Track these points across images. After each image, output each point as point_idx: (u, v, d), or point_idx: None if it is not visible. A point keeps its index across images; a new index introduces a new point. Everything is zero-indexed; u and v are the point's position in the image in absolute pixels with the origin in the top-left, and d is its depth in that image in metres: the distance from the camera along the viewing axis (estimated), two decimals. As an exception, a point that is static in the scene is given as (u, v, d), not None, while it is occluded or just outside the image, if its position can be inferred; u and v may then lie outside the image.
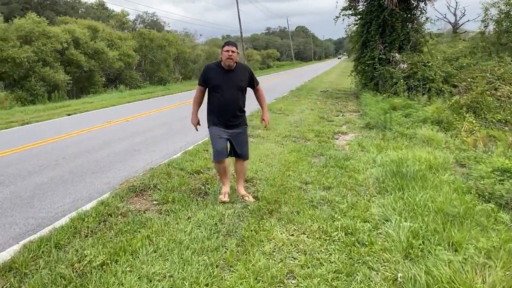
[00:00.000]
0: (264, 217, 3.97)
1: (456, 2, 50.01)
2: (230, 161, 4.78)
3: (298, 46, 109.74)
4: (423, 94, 12.93)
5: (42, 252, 3.25)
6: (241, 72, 4.41)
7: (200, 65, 50.62)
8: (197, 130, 4.76)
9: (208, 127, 4.52)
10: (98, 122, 11.57)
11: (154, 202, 4.45)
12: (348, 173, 5.52)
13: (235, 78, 4.33)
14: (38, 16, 25.61)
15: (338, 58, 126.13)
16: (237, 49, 4.29)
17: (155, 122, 11.02)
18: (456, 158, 6.36)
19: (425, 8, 15.39)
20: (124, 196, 4.57)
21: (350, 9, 16.56)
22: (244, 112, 4.58)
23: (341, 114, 11.54)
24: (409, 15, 15.13)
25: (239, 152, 4.52)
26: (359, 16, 16.48)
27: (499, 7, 16.50)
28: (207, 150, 6.74)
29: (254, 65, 64.03)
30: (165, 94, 23.45)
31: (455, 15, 43.91)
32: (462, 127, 8.89)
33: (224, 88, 4.29)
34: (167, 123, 10.71)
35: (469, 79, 12.28)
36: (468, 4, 56.88)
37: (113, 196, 4.53)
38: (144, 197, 4.62)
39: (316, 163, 6.12)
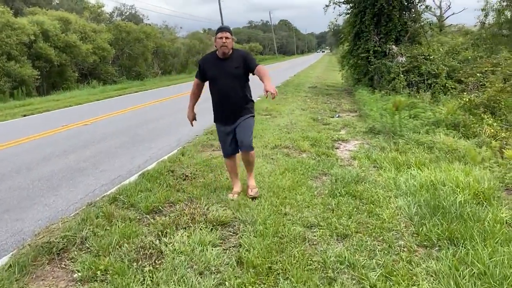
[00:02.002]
0: (252, 310, 2.37)
1: (442, -5, 48.80)
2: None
3: (280, 40, 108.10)
4: (425, 90, 11.47)
5: None
6: (236, 59, 4.05)
7: (181, 58, 48.72)
8: (192, 125, 4.51)
9: (214, 122, 4.37)
10: (53, 125, 9.80)
11: (75, 275, 2.79)
12: (366, 207, 3.96)
13: (229, 66, 4.02)
14: (3, 6, 23.45)
15: (322, 52, 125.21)
16: (231, 34, 4.02)
17: (117, 127, 9.27)
18: (498, 178, 4.86)
19: (424, -5, 13.91)
20: (30, 263, 2.90)
21: (341, -4, 14.98)
22: (248, 101, 4.21)
23: (337, 115, 9.99)
24: (406, 4, 13.63)
25: (240, 142, 4.17)
26: (351, 5, 14.89)
27: (501, -7, 15.12)
28: (172, 171, 5.08)
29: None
30: (139, 90, 21.62)
31: (440, 7, 42.91)
32: (483, 132, 7.45)
33: (220, 78, 4.04)
34: (130, 128, 8.99)
35: (478, 74, 10.87)
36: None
37: (10, 265, 2.84)
38: (63, 264, 2.95)
39: (319, 188, 4.54)
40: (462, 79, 11.58)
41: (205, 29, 72.90)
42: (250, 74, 4.15)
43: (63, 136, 8.37)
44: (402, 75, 12.10)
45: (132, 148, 6.91)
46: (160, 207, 3.93)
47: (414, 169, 5.08)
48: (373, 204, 4.02)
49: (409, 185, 4.50)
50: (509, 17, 15.86)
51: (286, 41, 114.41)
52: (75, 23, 30.66)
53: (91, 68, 31.52)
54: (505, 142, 6.64)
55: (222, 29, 4.00)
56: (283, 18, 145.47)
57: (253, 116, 4.30)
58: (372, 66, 13.54)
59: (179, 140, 7.35)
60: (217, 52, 4.06)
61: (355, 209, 3.90)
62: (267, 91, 3.63)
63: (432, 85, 11.62)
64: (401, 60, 12.92)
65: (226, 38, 3.92)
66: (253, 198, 4.16)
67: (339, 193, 4.34)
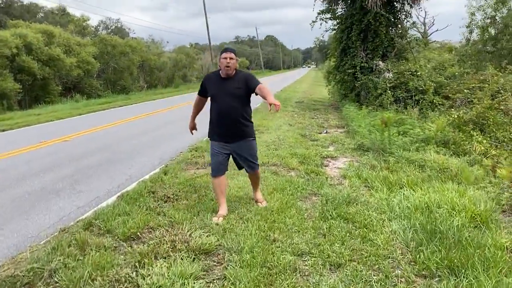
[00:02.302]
0: None
1: (425, 12, 49.61)
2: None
3: (267, 55, 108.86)
4: (413, 107, 11.41)
5: None
6: (239, 80, 4.12)
7: (167, 72, 48.50)
8: (192, 134, 4.65)
9: (209, 139, 4.38)
10: (31, 141, 9.42)
11: (39, 316, 2.50)
12: (359, 231, 3.73)
13: (230, 86, 4.09)
14: (-16, 19, 23.09)
15: (308, 67, 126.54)
16: (235, 55, 4.09)
17: (98, 143, 8.91)
18: (493, 199, 4.70)
19: (410, 12, 13.97)
20: (-12, 302, 2.60)
21: (328, 12, 14.94)
22: (247, 123, 4.24)
23: (325, 131, 9.83)
24: (393, 20, 13.65)
25: (244, 167, 4.37)
26: (338, 21, 14.89)
27: (483, 10, 15.29)
28: (153, 193, 4.79)
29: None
30: (124, 105, 21.24)
31: (424, 24, 43.65)
32: (473, 149, 7.34)
33: (219, 97, 4.11)
34: (111, 145, 8.65)
35: (465, 90, 10.85)
36: (437, 14, 57.35)
37: (-35, 305, 2.54)
38: (26, 302, 2.65)
39: (310, 210, 4.31)
40: (449, 95, 11.56)
41: (191, 44, 72.96)
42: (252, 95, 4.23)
43: (41, 153, 8.01)
44: (389, 91, 12.04)
45: (113, 166, 6.59)
46: (139, 233, 3.62)
47: (406, 189, 4.90)
48: (366, 228, 3.80)
49: (402, 207, 4.30)
50: (493, 34, 16.06)
51: (272, 56, 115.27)
52: (59, 36, 30.39)
53: (75, 81, 31.17)
54: (496, 160, 6.52)
55: (227, 50, 4.10)
56: (269, 34, 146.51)
57: (254, 139, 4.42)
58: (358, 82, 13.48)
59: (162, 158, 7.05)
60: (220, 71, 4.13)
61: (348, 234, 3.67)
62: (270, 104, 3.75)
63: (420, 101, 11.57)
64: (388, 76, 12.89)
65: (231, 58, 4.00)
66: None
67: (330, 215, 4.12)
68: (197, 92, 4.35)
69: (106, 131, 10.76)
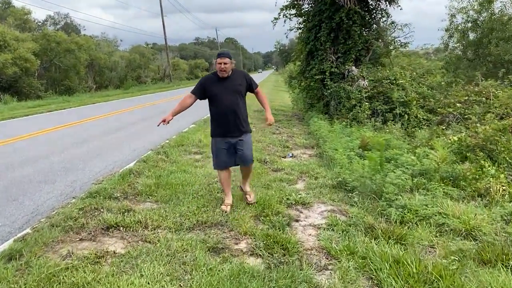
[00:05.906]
0: None
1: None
2: None
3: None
4: (395, 122, 9.45)
5: None
6: (238, 77, 4.43)
7: (119, 73, 45.26)
8: (157, 125, 4.31)
9: (211, 137, 4.52)
10: None
11: None
12: None
13: (231, 83, 4.34)
14: None
15: (273, 71, 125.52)
16: (230, 59, 4.29)
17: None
18: None
19: (387, 11, 12.05)
20: None
21: (293, 7, 12.80)
22: (247, 118, 4.52)
23: (290, 154, 7.60)
24: (368, 19, 11.68)
25: (244, 158, 4.46)
26: (304, 18, 12.78)
27: (466, 13, 13.65)
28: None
29: (181, 75, 59.52)
30: (58, 109, 18.29)
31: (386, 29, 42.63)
32: (493, 189, 5.34)
33: (221, 95, 4.30)
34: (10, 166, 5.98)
35: (458, 104, 8.98)
36: (399, 20, 57.26)
37: None
38: None
39: None
40: (436, 108, 9.68)
41: (148, 43, 69.70)
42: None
43: None
44: (365, 102, 10.04)
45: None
46: None
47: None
48: None
49: None
50: (471, 39, 14.53)
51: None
52: (-8, 29, 27.08)
53: (12, 80, 27.71)
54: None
55: (221, 54, 4.30)
56: (230, 36, 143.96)
57: (251, 132, 4.59)
58: (328, 90, 11.39)
59: (37, 210, 4.38)
60: (217, 73, 4.31)
61: None
62: (267, 119, 4.62)
63: (403, 116, 9.63)
64: (363, 84, 10.89)
65: (225, 63, 4.23)
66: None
67: None
68: (191, 91, 4.36)
69: (12, 147, 7.97)
